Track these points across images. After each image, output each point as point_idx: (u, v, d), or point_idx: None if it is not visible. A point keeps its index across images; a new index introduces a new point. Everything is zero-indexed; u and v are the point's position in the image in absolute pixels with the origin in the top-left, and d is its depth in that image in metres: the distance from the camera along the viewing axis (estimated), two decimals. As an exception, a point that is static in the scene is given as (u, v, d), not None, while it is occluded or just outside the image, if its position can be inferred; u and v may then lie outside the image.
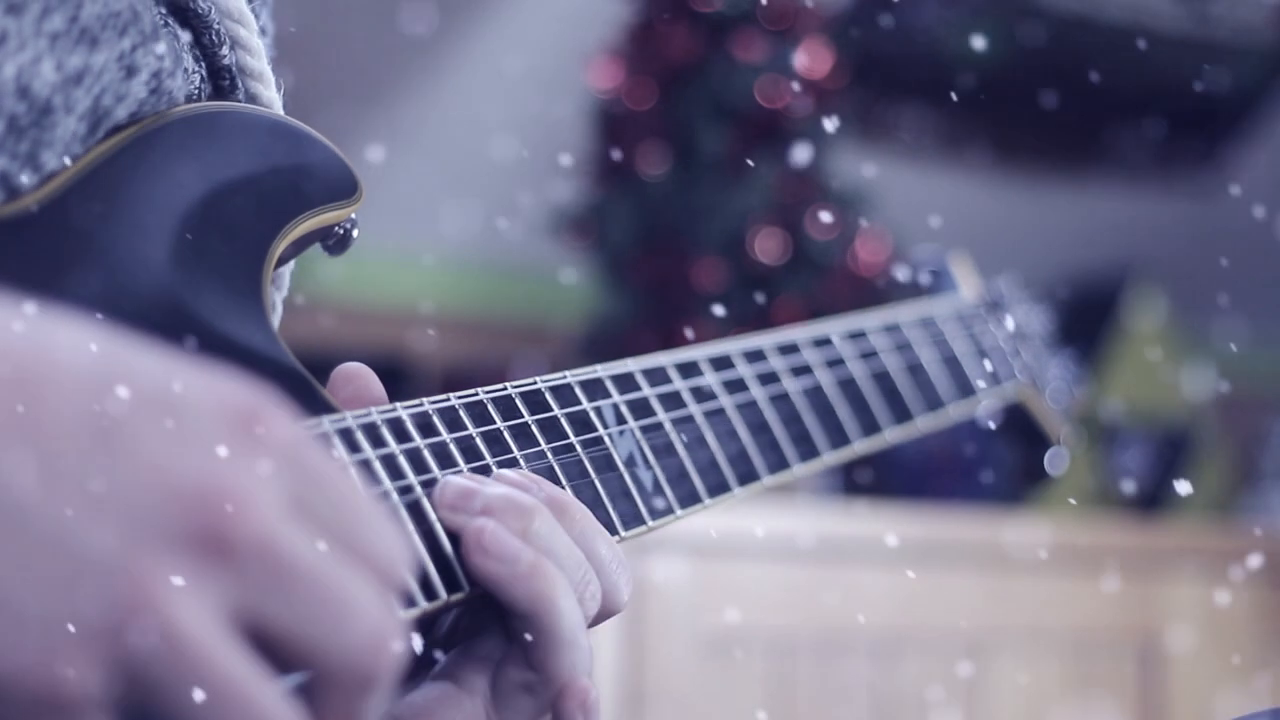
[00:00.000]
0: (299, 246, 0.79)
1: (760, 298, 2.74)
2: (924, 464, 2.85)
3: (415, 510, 0.71)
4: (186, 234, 0.72)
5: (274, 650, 0.55)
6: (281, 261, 0.78)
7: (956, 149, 3.58)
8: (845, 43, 2.92)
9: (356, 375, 0.76)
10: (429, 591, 0.69)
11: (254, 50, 0.81)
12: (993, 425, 1.17)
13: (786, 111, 2.79)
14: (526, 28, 3.12)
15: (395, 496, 0.70)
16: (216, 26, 0.79)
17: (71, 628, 0.52)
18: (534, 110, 3.13)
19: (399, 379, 2.87)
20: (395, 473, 0.71)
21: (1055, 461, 1.20)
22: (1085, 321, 3.46)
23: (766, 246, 2.76)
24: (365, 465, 0.70)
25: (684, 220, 2.73)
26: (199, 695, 0.52)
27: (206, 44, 0.79)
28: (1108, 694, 2.67)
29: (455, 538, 0.71)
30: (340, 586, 0.55)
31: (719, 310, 2.71)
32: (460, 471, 0.74)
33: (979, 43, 3.49)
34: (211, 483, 0.54)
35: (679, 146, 2.75)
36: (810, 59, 2.81)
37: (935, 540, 2.52)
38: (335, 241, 0.81)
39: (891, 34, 3.40)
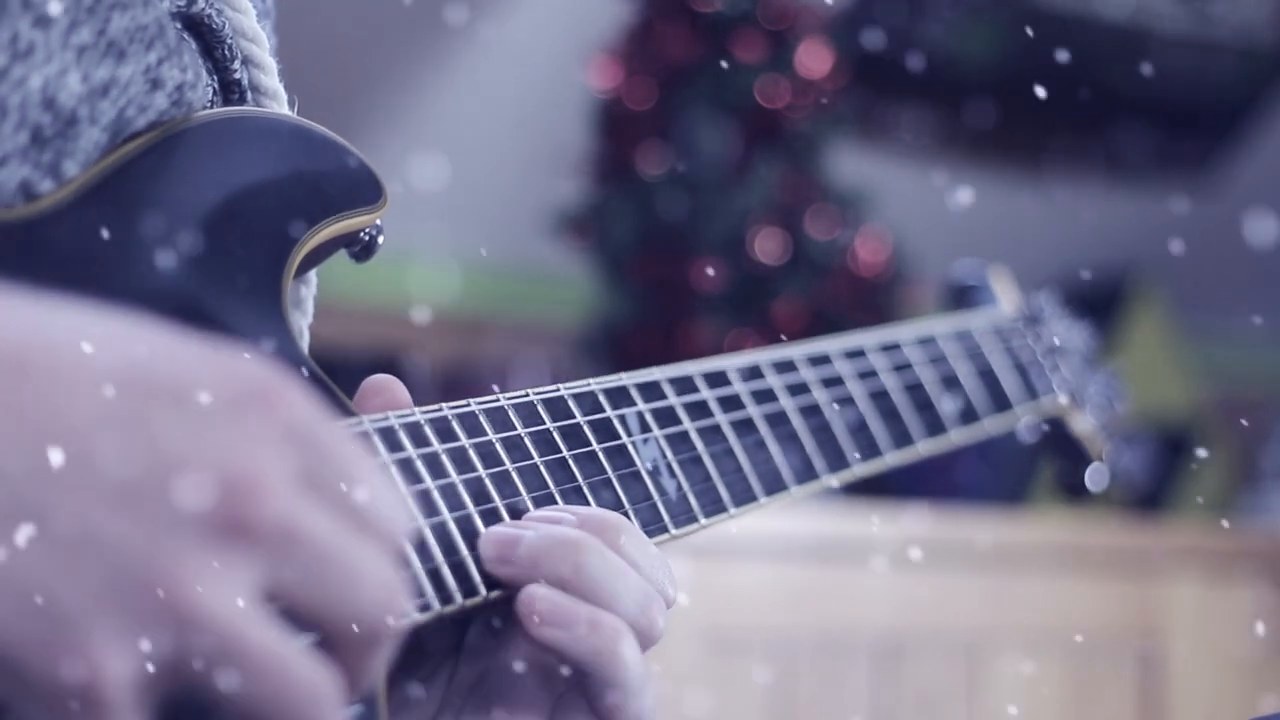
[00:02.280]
0: (324, 252, 0.79)
1: (760, 298, 2.74)
2: (925, 464, 2.85)
3: (430, 510, 0.71)
4: (208, 236, 0.72)
5: (291, 615, 0.57)
6: (305, 267, 0.78)
7: (956, 149, 3.58)
8: (845, 43, 2.92)
9: (386, 387, 0.76)
10: (445, 596, 0.70)
11: (267, 68, 0.81)
12: (1032, 440, 1.15)
13: (786, 111, 2.79)
14: (526, 28, 3.12)
15: (411, 500, 0.70)
16: (229, 41, 0.79)
17: (100, 619, 0.52)
18: (534, 110, 3.13)
19: (398, 379, 2.86)
20: (412, 477, 0.71)
21: (1096, 478, 1.19)
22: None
23: (766, 246, 2.76)
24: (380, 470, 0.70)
25: (684, 220, 2.73)
26: (237, 673, 0.54)
27: (219, 58, 0.79)
28: (1108, 694, 2.67)
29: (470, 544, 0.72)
30: (351, 556, 0.57)
31: (719, 310, 2.71)
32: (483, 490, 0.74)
33: (979, 43, 3.49)
34: (228, 466, 0.55)
35: (679, 146, 2.75)
36: (810, 59, 2.81)
37: (935, 540, 2.52)
38: (360, 248, 0.81)
39: (891, 34, 3.40)
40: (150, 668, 0.53)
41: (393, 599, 0.58)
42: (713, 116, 2.75)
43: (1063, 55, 3.47)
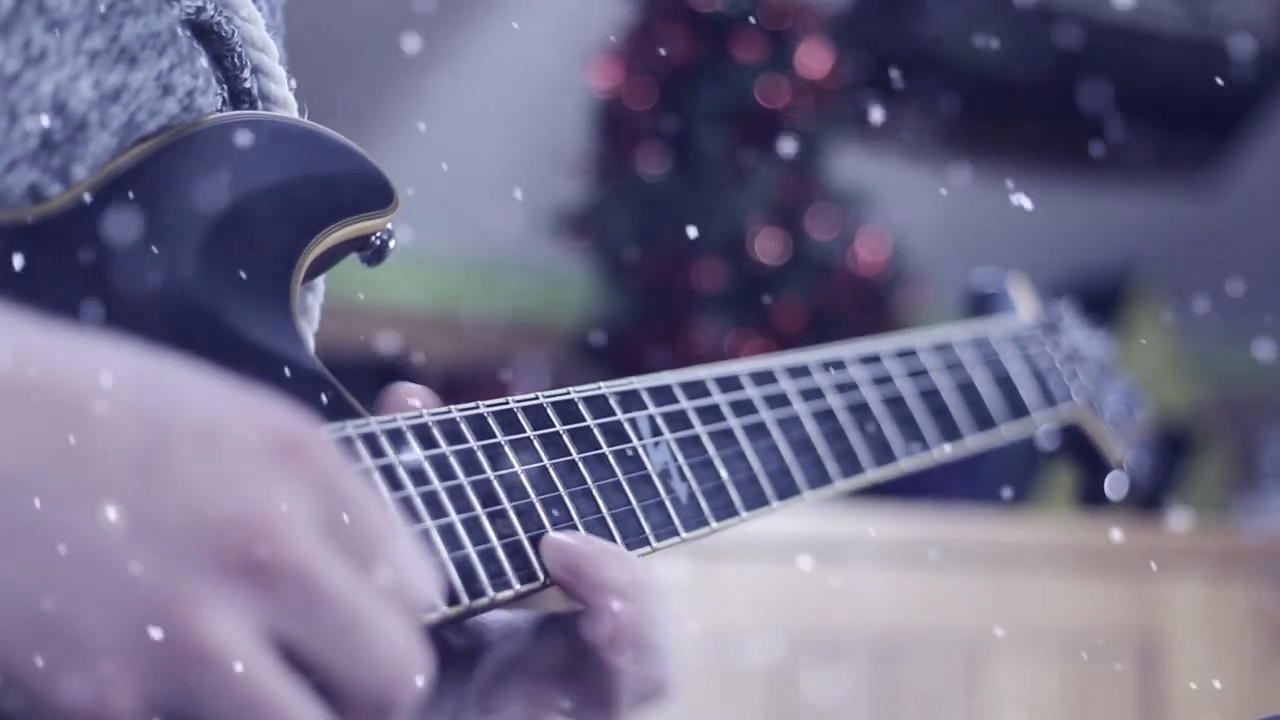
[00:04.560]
0: (333, 256, 0.79)
1: (760, 298, 2.74)
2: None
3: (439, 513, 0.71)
4: (216, 239, 0.72)
5: (304, 671, 0.57)
6: (315, 270, 0.78)
7: (956, 149, 3.58)
8: (845, 43, 2.92)
9: (410, 395, 0.76)
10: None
11: (277, 77, 0.81)
12: (1050, 447, 1.15)
13: (786, 111, 2.79)
14: (526, 28, 3.12)
15: (419, 501, 0.70)
16: (239, 50, 0.79)
17: (114, 653, 0.53)
18: (534, 110, 3.13)
19: (399, 380, 2.87)
20: (419, 479, 0.71)
21: (1115, 486, 1.18)
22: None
23: (766, 246, 2.76)
24: (388, 470, 0.70)
25: (684, 220, 2.74)
26: (238, 713, 0.54)
27: (228, 66, 0.79)
28: (1108, 694, 2.67)
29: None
30: (369, 617, 0.57)
31: (719, 310, 2.71)
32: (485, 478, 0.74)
33: (979, 43, 3.49)
34: (251, 510, 0.55)
35: (679, 146, 2.75)
36: (810, 59, 2.81)
37: (935, 540, 2.52)
38: (371, 253, 0.80)
39: (891, 34, 3.40)
40: (155, 701, 0.54)
41: (408, 668, 0.58)
42: (713, 116, 2.75)
43: (1063, 55, 3.47)
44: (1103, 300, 3.53)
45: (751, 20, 2.79)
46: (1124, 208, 3.75)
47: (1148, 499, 3.29)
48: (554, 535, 0.73)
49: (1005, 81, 3.54)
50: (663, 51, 2.76)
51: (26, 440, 0.54)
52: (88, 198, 0.69)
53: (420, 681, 0.58)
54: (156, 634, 0.53)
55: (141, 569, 0.53)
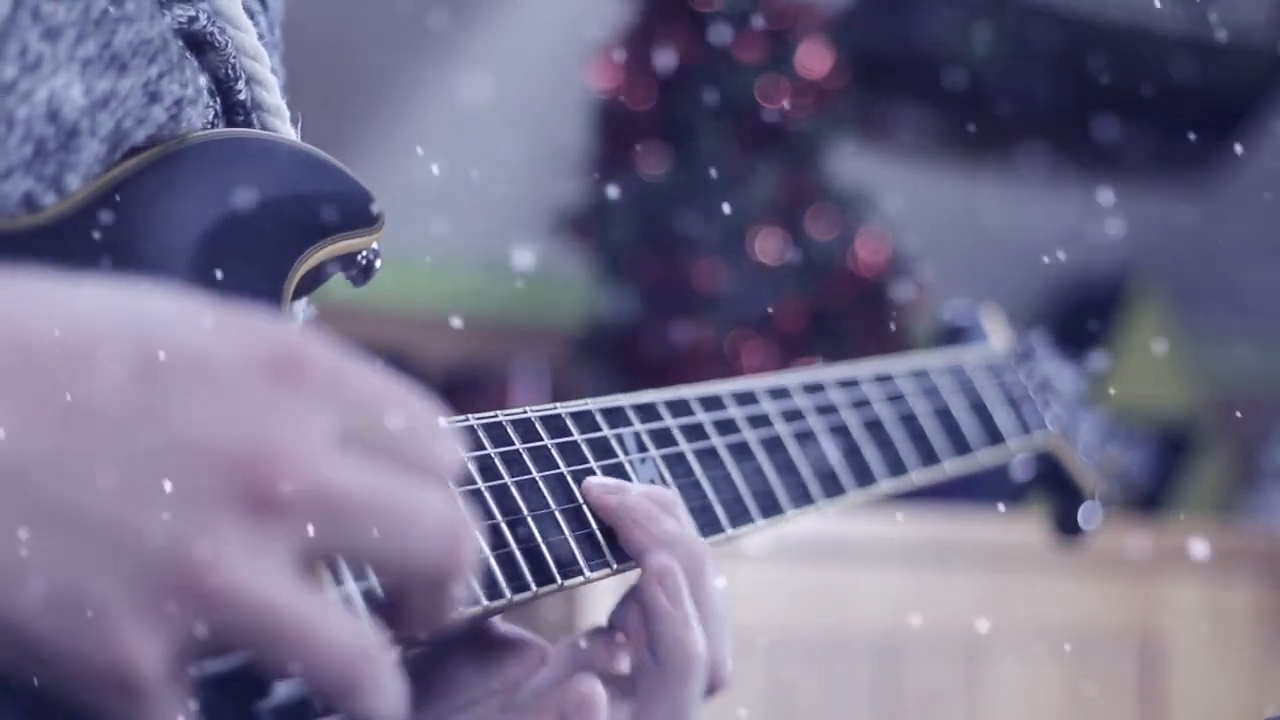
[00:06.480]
0: (321, 275, 0.79)
1: (760, 298, 2.74)
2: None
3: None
4: (204, 256, 0.72)
5: (357, 570, 0.58)
6: (303, 289, 0.78)
7: (956, 149, 3.58)
8: (845, 43, 2.92)
9: None
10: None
11: (270, 86, 0.81)
12: (1025, 477, 1.16)
13: (786, 111, 2.79)
14: (526, 28, 3.12)
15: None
16: (233, 61, 0.79)
17: (128, 604, 0.53)
18: (534, 110, 3.13)
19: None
20: None
21: (1089, 516, 1.20)
22: (1085, 322, 3.46)
23: (766, 246, 2.76)
24: None
25: (684, 220, 2.74)
26: (277, 646, 0.54)
27: (222, 78, 0.79)
28: (1108, 694, 2.67)
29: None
30: (401, 499, 0.57)
31: (719, 310, 2.71)
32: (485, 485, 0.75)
33: (979, 43, 3.49)
34: (250, 441, 0.54)
35: (679, 146, 2.75)
36: (810, 59, 2.82)
37: (935, 540, 2.52)
38: (358, 271, 0.81)
39: (891, 34, 3.40)
40: (184, 649, 0.53)
41: (455, 530, 0.58)
42: (713, 116, 2.75)
43: (1063, 55, 3.47)
44: (1103, 300, 3.53)
45: (752, 20, 2.79)
46: (1124, 208, 3.75)
47: (1147, 499, 3.29)
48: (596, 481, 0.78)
49: (1005, 81, 3.54)
50: (663, 51, 2.76)
51: (13, 397, 0.53)
52: (75, 212, 0.69)
53: (472, 541, 0.58)
54: (173, 582, 0.53)
55: (151, 520, 0.53)
